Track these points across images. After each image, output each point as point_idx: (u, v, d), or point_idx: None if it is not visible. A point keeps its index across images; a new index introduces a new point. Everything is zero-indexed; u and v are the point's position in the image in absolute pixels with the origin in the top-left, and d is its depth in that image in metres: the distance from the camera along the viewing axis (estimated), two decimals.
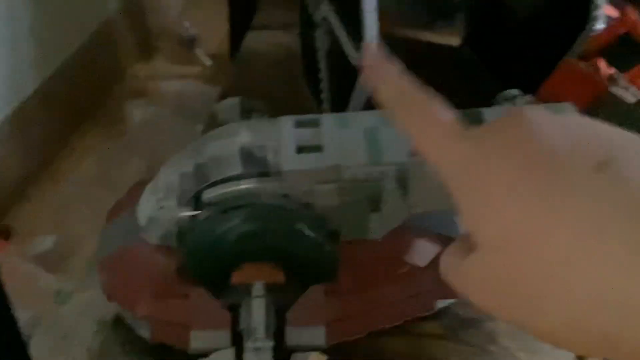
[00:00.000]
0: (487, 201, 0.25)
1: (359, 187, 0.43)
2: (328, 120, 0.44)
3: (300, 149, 0.43)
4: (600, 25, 0.60)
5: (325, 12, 0.56)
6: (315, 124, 0.44)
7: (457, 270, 0.28)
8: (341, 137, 0.43)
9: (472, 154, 0.26)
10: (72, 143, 0.69)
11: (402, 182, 0.43)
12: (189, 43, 0.88)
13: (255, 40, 0.81)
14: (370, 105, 0.53)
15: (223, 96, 0.69)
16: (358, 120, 0.44)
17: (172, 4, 0.92)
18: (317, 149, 0.43)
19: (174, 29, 0.89)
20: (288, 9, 0.71)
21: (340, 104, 0.58)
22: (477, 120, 0.44)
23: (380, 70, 0.30)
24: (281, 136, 0.43)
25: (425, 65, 0.75)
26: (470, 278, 0.27)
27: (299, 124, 0.45)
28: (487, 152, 0.26)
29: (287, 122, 0.45)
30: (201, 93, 0.77)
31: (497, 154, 0.25)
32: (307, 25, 0.64)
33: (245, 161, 0.43)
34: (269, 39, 0.81)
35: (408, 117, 0.29)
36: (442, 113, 0.28)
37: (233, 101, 0.64)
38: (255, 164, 0.43)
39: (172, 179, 0.45)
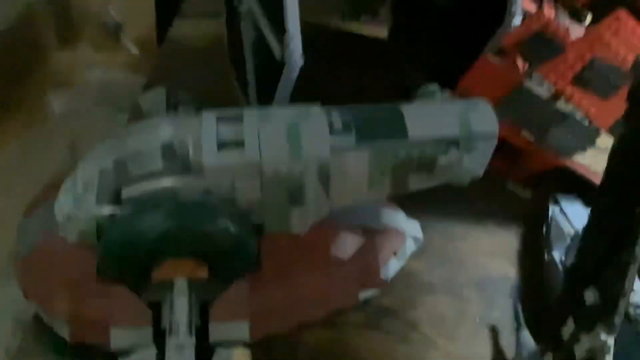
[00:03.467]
0: None
1: (280, 182, 0.43)
2: (250, 115, 0.44)
3: (222, 145, 0.43)
4: (518, 21, 0.61)
5: (250, 3, 0.56)
6: (237, 118, 0.44)
7: None
8: (263, 132, 0.43)
9: None
10: None
11: (324, 176, 0.44)
12: (114, 30, 0.85)
13: (182, 28, 0.80)
14: (294, 97, 0.53)
15: (148, 86, 0.68)
16: (280, 115, 0.44)
17: None
18: (238, 144, 0.43)
19: (98, 15, 0.87)
20: None
21: (266, 96, 0.58)
22: (397, 117, 0.45)
23: None
24: (202, 132, 0.43)
25: (350, 57, 0.76)
26: None
27: (221, 119, 0.44)
28: None
29: (209, 117, 0.44)
30: (126, 82, 0.75)
31: None
32: (233, 16, 0.63)
33: (165, 157, 0.43)
34: (196, 28, 0.80)
35: None
36: None
37: (158, 92, 0.63)
38: (176, 159, 0.43)
39: (91, 174, 0.44)
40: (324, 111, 0.45)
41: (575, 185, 0.60)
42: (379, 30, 0.79)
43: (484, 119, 0.45)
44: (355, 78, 0.69)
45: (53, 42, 0.82)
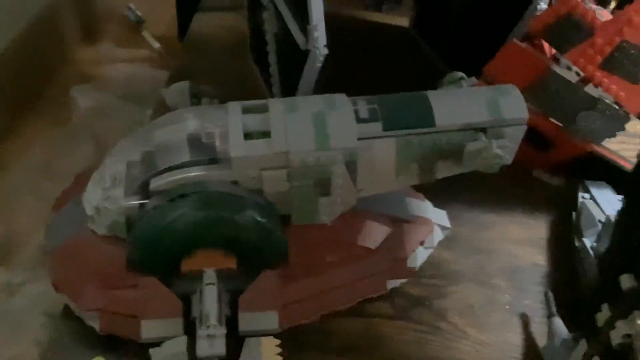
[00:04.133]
0: None
1: (307, 173, 0.43)
2: (276, 105, 0.44)
3: (248, 135, 0.43)
4: (543, 5, 0.61)
5: None
6: (263, 109, 0.44)
7: None
8: (289, 122, 0.43)
9: None
10: (17, 132, 0.67)
11: (351, 165, 0.44)
12: (136, 25, 0.86)
13: (203, 22, 0.80)
14: (319, 88, 0.53)
15: (172, 80, 0.68)
16: (306, 105, 0.44)
17: None
18: (265, 135, 0.43)
19: (120, 11, 0.87)
20: None
21: (289, 87, 0.57)
22: (424, 104, 0.45)
23: None
24: (229, 122, 0.43)
25: (374, 47, 0.76)
26: None
27: (247, 110, 0.44)
28: None
29: (234, 108, 0.44)
30: (149, 77, 0.76)
31: None
32: (255, 8, 0.63)
33: (192, 148, 0.43)
34: (217, 21, 0.80)
35: None
36: None
37: (182, 85, 0.63)
38: (203, 150, 0.43)
39: (119, 167, 0.44)
40: (349, 100, 0.45)
41: (605, 171, 0.59)
42: (402, 20, 0.79)
43: (512, 105, 0.44)
44: (379, 67, 0.69)
45: (76, 38, 0.82)
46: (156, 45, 0.82)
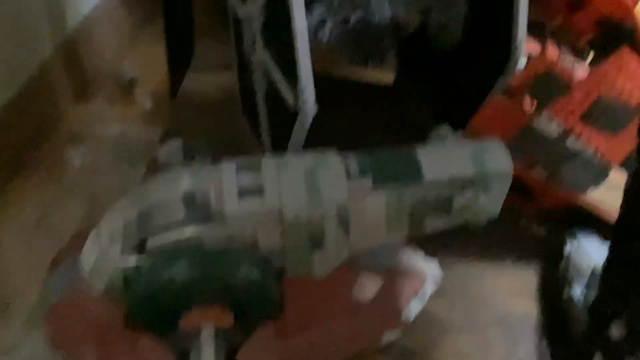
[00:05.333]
0: None
1: (301, 228, 0.44)
2: (268, 163, 0.45)
3: (242, 193, 0.44)
4: (522, 63, 0.63)
5: (261, 55, 0.58)
6: (256, 167, 0.45)
7: None
8: (282, 179, 0.44)
9: None
10: (10, 190, 0.68)
11: (343, 220, 0.45)
12: (128, 84, 0.87)
13: (195, 81, 0.82)
14: (309, 142, 0.54)
15: (165, 138, 0.69)
16: (297, 162, 0.45)
17: (109, 45, 0.91)
18: (258, 192, 0.44)
19: (112, 70, 0.89)
20: (225, 49, 0.72)
21: (279, 144, 0.59)
22: (412, 159, 0.46)
23: None
24: (223, 181, 0.44)
25: (363, 102, 0.78)
26: None
27: (241, 168, 0.45)
28: None
29: (228, 167, 0.46)
30: (142, 135, 0.77)
31: None
32: (244, 67, 0.65)
33: (188, 207, 0.44)
34: (208, 80, 0.82)
35: None
36: None
37: (175, 144, 0.64)
38: (198, 209, 0.44)
39: (116, 226, 0.45)
40: (340, 157, 0.46)
41: (591, 219, 0.60)
42: (386, 76, 0.81)
43: (497, 158, 0.46)
44: (368, 121, 0.70)
45: (69, 98, 0.84)
46: (148, 103, 0.83)
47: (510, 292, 0.56)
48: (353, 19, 0.59)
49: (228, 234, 0.43)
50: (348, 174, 0.45)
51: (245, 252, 0.43)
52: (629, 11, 0.66)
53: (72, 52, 0.85)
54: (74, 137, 0.77)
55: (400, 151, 0.47)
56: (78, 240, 0.48)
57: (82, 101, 0.85)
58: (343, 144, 0.48)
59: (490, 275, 0.58)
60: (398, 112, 0.72)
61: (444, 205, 0.46)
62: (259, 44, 0.56)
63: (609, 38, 0.70)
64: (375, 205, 0.45)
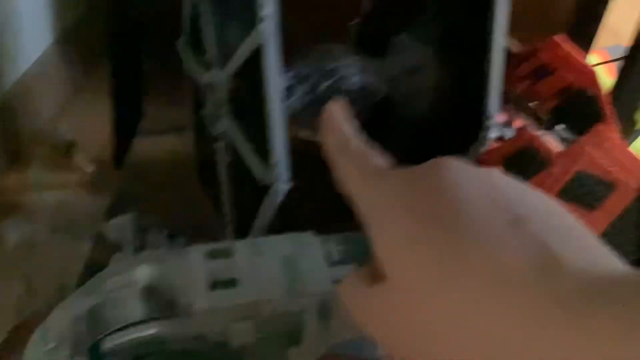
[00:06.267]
0: (400, 240, 0.26)
1: (277, 322, 0.40)
2: (241, 249, 0.41)
3: (213, 284, 0.39)
4: (493, 134, 0.62)
5: (226, 124, 0.54)
6: (227, 254, 0.41)
7: (359, 296, 0.29)
8: (257, 267, 0.40)
9: (391, 193, 0.27)
10: None
11: (324, 312, 0.41)
12: (68, 148, 0.82)
13: (143, 145, 0.77)
14: (278, 217, 0.51)
15: (112, 209, 0.64)
16: (273, 247, 0.42)
17: (46, 105, 0.86)
18: (231, 283, 0.39)
19: (49, 133, 0.83)
20: (176, 111, 0.68)
21: (243, 217, 0.55)
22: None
23: (330, 123, 0.31)
24: (191, 270, 0.40)
25: (328, 171, 0.75)
26: (371, 307, 0.28)
27: (210, 255, 0.41)
28: (405, 194, 0.26)
29: (196, 254, 0.41)
30: (84, 205, 0.71)
31: (413, 198, 0.26)
32: (204, 136, 0.61)
33: (149, 301, 0.39)
34: (159, 144, 0.77)
35: (343, 161, 0.30)
36: (373, 157, 0.30)
37: (125, 219, 0.59)
38: (161, 304, 0.39)
39: (64, 323, 0.39)
40: (320, 241, 0.42)
41: None
42: None
43: None
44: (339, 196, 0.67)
45: (1, 164, 0.77)
46: (90, 169, 0.78)
47: None
48: (321, 87, 0.56)
49: (196, 331, 0.39)
50: (329, 260, 0.41)
51: (214, 351, 0.39)
52: (593, 79, 0.67)
53: (6, 112, 0.80)
54: (7, 209, 0.71)
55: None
56: (18, 336, 0.42)
57: (16, 168, 0.79)
58: (316, 222, 0.44)
59: None
60: None
61: None
62: (225, 112, 0.52)
63: (572, 106, 0.71)
64: None
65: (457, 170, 0.26)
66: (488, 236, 0.24)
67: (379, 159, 0.30)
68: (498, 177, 0.27)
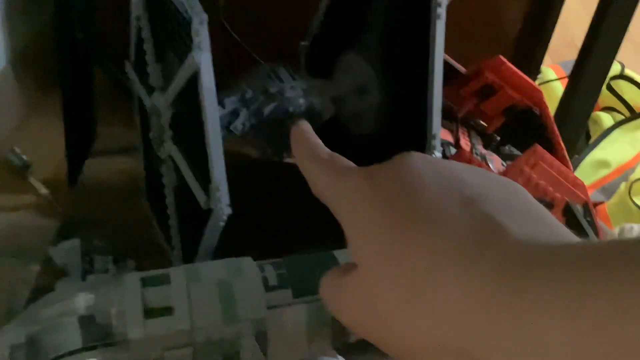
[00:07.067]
0: (363, 229, 0.27)
1: (214, 348, 0.40)
2: (178, 275, 0.41)
3: (148, 312, 0.39)
4: (437, 153, 0.63)
5: (170, 150, 0.54)
6: (164, 280, 0.41)
7: (334, 287, 0.30)
8: (192, 294, 0.40)
9: (356, 187, 0.29)
10: None
11: (261, 337, 0.41)
12: (20, 170, 0.81)
13: (95, 166, 0.77)
14: (222, 244, 0.51)
15: (61, 232, 0.63)
16: (210, 273, 0.42)
17: None
18: (167, 310, 0.40)
19: (2, 154, 0.82)
20: (127, 133, 0.68)
21: (189, 242, 0.55)
22: (332, 264, 0.43)
23: (300, 137, 0.34)
24: (126, 299, 0.40)
25: (280, 198, 0.75)
26: (345, 297, 0.29)
27: (146, 282, 0.41)
28: (369, 186, 0.28)
29: (132, 281, 0.41)
30: (36, 227, 0.70)
31: (375, 189, 0.28)
32: (152, 159, 0.61)
33: (85, 330, 0.39)
34: (110, 165, 0.77)
35: (314, 167, 0.32)
36: (340, 160, 0.32)
37: (72, 244, 0.59)
38: (98, 332, 0.39)
39: (2, 351, 0.39)
40: (256, 266, 0.43)
41: None
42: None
43: None
44: (284, 220, 0.67)
45: None
46: (43, 191, 0.77)
47: None
48: (267, 109, 0.57)
49: (133, 359, 0.39)
50: (266, 285, 0.42)
51: None
52: (538, 97, 0.69)
53: None
54: None
55: (320, 257, 0.45)
56: None
57: None
58: (259, 244, 0.45)
59: None
60: (316, 208, 0.69)
61: None
62: (168, 137, 0.52)
63: (518, 124, 0.72)
64: (295, 317, 0.42)
65: (418, 160, 0.28)
66: (440, 215, 0.25)
67: (345, 161, 0.32)
68: (457, 164, 0.29)
